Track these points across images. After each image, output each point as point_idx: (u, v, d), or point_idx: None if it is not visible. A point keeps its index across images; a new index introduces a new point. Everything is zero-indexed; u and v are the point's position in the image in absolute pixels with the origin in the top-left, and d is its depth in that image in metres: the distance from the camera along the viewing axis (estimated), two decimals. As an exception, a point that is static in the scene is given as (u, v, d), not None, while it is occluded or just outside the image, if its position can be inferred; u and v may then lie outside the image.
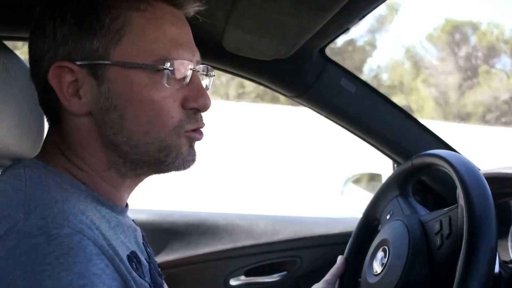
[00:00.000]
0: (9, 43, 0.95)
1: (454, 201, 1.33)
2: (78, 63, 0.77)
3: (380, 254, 1.03)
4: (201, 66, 0.89)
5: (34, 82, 0.83)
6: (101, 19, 0.76)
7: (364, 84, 1.49)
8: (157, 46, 0.79)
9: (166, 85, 0.79)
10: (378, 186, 1.32)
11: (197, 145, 0.88)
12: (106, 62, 0.77)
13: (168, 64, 0.78)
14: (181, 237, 1.57)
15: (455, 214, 0.91)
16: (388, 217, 1.18)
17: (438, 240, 0.92)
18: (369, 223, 1.25)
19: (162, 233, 1.66)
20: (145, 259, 0.89)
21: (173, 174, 0.88)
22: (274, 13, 1.07)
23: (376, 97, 1.50)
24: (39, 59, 0.80)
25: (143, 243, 0.94)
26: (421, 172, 1.15)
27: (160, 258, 1.57)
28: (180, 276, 1.27)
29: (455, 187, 0.91)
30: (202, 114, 0.86)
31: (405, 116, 1.53)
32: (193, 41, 0.86)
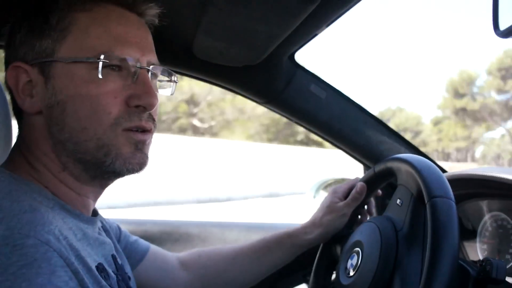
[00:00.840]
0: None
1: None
2: (30, 63, 0.81)
3: (353, 255, 1.04)
4: (157, 67, 0.89)
5: (7, 88, 0.86)
6: (49, 21, 0.81)
7: (334, 89, 1.50)
8: (100, 42, 0.81)
9: (104, 79, 0.79)
10: (355, 177, 1.33)
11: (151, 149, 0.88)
12: (52, 59, 0.80)
13: (103, 57, 0.79)
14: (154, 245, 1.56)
15: (417, 211, 0.94)
16: (359, 217, 1.21)
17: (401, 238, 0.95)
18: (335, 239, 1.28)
19: None
20: (113, 271, 0.88)
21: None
22: (243, 20, 1.08)
23: (346, 102, 1.52)
24: (7, 66, 0.84)
25: (112, 255, 0.93)
26: (384, 179, 1.19)
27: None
28: None
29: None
30: (150, 115, 0.86)
31: (374, 121, 1.55)
32: (147, 43, 0.87)
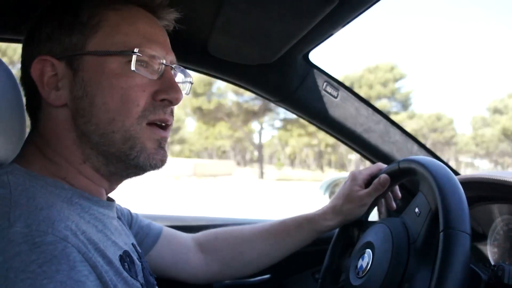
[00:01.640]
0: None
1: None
2: (58, 57, 0.83)
3: (364, 256, 1.05)
4: (177, 67, 0.94)
5: (23, 84, 0.88)
6: (80, 17, 0.83)
7: (347, 89, 1.51)
8: (130, 39, 0.84)
9: (135, 71, 0.82)
10: (377, 164, 1.33)
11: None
12: (82, 53, 0.82)
13: (137, 50, 0.83)
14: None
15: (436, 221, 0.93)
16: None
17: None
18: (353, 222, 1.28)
19: None
20: (137, 258, 0.91)
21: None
22: (259, 19, 1.08)
23: (359, 102, 1.52)
24: (28, 61, 0.85)
25: (132, 243, 0.95)
26: (405, 176, 1.17)
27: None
28: (166, 277, 1.27)
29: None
30: (172, 110, 0.90)
31: (387, 121, 1.56)
32: (168, 44, 0.92)
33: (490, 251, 1.24)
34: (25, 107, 0.90)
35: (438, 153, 1.58)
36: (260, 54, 1.32)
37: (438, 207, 0.88)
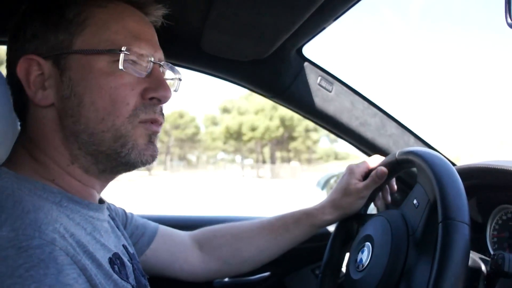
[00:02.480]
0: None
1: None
2: (44, 56, 0.81)
3: (363, 250, 1.04)
4: (165, 64, 0.92)
5: (9, 83, 0.86)
6: (66, 15, 0.82)
7: (342, 83, 1.50)
8: (117, 36, 0.82)
9: (124, 70, 0.81)
10: (374, 157, 1.32)
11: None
12: (68, 51, 0.81)
13: (125, 51, 0.81)
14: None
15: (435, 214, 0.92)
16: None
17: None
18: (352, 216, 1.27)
19: None
20: (128, 260, 0.89)
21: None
22: (251, 14, 1.08)
23: (354, 95, 1.51)
24: (13, 60, 0.84)
25: (123, 245, 0.94)
26: (403, 168, 1.17)
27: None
28: (164, 277, 1.26)
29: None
30: (162, 109, 0.89)
31: (383, 114, 1.55)
32: (156, 41, 0.90)
33: (490, 241, 1.23)
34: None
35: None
36: (253, 50, 1.31)
37: (436, 198, 0.87)
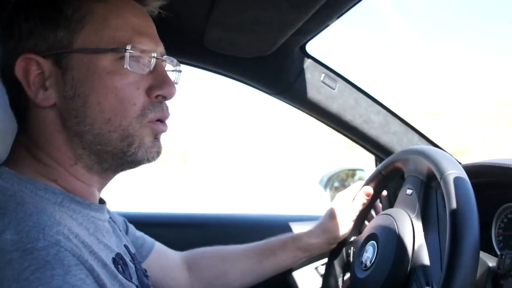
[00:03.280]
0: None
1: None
2: (43, 54, 0.78)
3: (368, 249, 1.04)
4: (166, 57, 0.90)
5: (5, 82, 0.83)
6: (64, 11, 0.78)
7: (345, 80, 1.49)
8: (120, 33, 0.80)
9: (128, 69, 0.79)
10: (361, 181, 1.32)
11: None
12: (69, 50, 0.78)
13: (129, 47, 0.79)
14: (168, 238, 1.57)
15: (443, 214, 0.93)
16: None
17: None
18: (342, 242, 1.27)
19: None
20: (130, 260, 0.89)
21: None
22: (255, 11, 1.07)
23: (358, 93, 1.51)
24: (8, 58, 0.80)
25: (124, 245, 0.93)
26: (391, 178, 1.18)
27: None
28: None
29: None
30: (168, 104, 0.88)
31: (387, 112, 1.54)
32: (156, 34, 0.88)
33: (495, 239, 1.22)
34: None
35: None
36: (257, 47, 1.30)
37: (429, 166, 0.92)
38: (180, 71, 0.95)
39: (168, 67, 0.93)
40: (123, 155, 0.82)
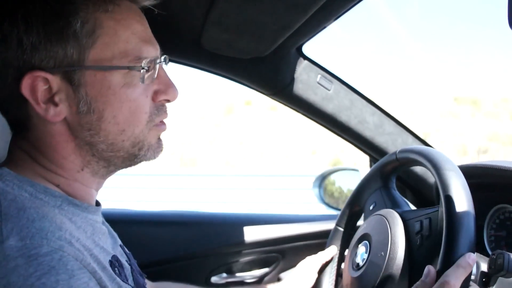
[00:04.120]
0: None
1: (432, 198, 1.36)
2: (52, 71, 0.75)
3: (361, 249, 1.05)
4: (167, 58, 0.90)
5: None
6: (72, 25, 0.74)
7: (341, 81, 1.50)
8: (130, 46, 0.79)
9: (141, 83, 0.80)
10: (355, 181, 1.33)
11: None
12: (81, 67, 0.76)
13: (144, 63, 0.79)
14: (162, 236, 1.56)
15: (436, 216, 0.94)
16: (371, 207, 1.20)
17: (418, 240, 0.95)
18: (353, 211, 1.28)
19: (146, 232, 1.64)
20: (126, 261, 0.89)
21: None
22: (253, 12, 1.08)
23: (353, 94, 1.52)
24: (4, 69, 0.76)
25: (120, 245, 0.94)
26: (404, 167, 1.18)
27: (141, 257, 1.55)
28: (161, 274, 1.26)
29: (432, 185, 0.94)
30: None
31: (382, 113, 1.55)
32: (153, 36, 0.86)
33: (487, 240, 1.24)
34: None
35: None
36: (254, 47, 1.32)
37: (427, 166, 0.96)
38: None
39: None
40: (134, 158, 0.84)
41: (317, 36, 1.33)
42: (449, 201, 0.85)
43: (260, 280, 1.66)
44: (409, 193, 1.62)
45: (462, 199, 0.86)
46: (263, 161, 13.12)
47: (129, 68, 0.78)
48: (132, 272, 0.89)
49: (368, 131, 1.54)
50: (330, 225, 1.46)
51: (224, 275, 1.61)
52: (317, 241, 1.54)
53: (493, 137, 14.20)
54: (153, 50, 0.83)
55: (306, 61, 1.45)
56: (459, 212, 0.84)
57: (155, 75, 0.83)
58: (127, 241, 1.01)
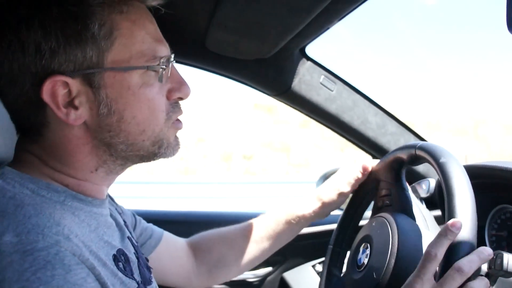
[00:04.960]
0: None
1: (432, 198, 1.36)
2: (72, 74, 0.75)
3: (363, 250, 1.05)
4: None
5: (10, 98, 0.78)
6: (90, 27, 0.75)
7: (344, 82, 1.51)
8: (145, 46, 0.80)
9: (157, 82, 0.81)
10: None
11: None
12: (101, 69, 0.76)
13: (161, 62, 0.81)
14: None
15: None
16: (380, 204, 1.17)
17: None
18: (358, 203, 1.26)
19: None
20: (134, 253, 0.89)
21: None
22: (257, 14, 1.09)
23: (356, 94, 1.53)
24: (16, 75, 0.75)
25: (128, 237, 0.93)
26: (415, 163, 1.16)
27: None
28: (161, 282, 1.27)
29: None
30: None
31: (384, 113, 1.56)
32: (162, 35, 0.87)
33: (488, 240, 1.25)
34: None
35: None
36: (258, 49, 1.33)
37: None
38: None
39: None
40: (153, 156, 0.85)
41: (320, 37, 1.34)
42: (453, 207, 0.86)
43: (263, 279, 1.67)
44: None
45: (467, 203, 0.86)
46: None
47: (148, 68, 0.79)
48: (138, 266, 0.89)
49: (370, 131, 1.55)
50: (332, 225, 1.47)
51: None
52: (319, 241, 1.54)
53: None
54: (165, 49, 0.84)
55: (309, 62, 1.47)
56: (462, 216, 0.84)
57: (169, 74, 0.84)
58: None
